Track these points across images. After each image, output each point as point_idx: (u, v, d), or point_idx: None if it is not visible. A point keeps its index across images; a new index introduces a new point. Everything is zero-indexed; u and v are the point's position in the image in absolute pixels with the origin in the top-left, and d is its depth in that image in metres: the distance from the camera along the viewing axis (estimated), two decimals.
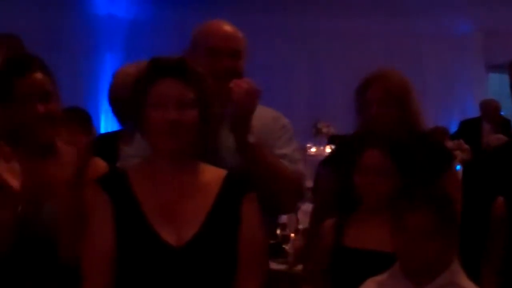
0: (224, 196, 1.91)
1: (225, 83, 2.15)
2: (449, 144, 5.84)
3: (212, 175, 1.95)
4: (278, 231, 3.50)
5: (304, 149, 5.69)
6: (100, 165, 2.14)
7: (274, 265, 3.22)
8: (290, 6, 6.44)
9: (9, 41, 3.67)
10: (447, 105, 8.19)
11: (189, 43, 2.46)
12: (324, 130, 6.17)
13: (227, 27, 2.38)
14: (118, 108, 2.87)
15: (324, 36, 6.87)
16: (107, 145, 2.72)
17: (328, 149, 5.67)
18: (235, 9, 5.37)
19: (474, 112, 7.51)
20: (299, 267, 3.21)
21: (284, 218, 3.56)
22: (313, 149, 6.03)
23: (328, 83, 6.90)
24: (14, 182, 2.02)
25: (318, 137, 6.23)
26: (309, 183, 2.96)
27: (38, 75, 2.19)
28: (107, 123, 6.38)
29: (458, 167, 4.86)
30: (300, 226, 3.44)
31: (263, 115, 2.33)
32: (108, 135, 3.10)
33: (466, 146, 6.26)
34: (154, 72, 1.93)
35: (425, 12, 6.62)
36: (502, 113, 7.25)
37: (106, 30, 6.68)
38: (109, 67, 6.37)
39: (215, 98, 1.94)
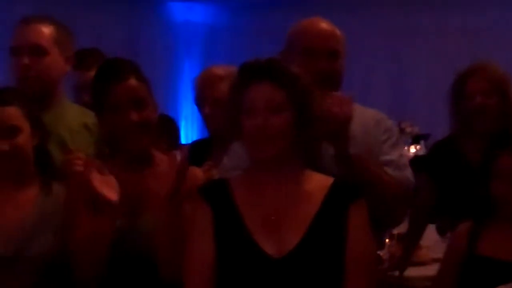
0: (329, 203, 1.82)
1: (322, 86, 1.99)
2: None
3: (318, 182, 1.86)
4: None
5: None
6: (197, 174, 2.07)
7: None
8: (369, 5, 6.35)
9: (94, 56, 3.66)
10: None
11: (283, 43, 2.37)
12: (408, 130, 6.02)
13: (324, 25, 2.27)
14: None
15: (408, 33, 6.73)
16: (201, 152, 2.66)
17: (412, 149, 5.53)
18: (315, 11, 5.29)
19: None
20: (395, 273, 3.10)
21: None
22: None
23: (411, 81, 6.74)
24: (112, 195, 1.99)
25: (402, 137, 6.08)
26: None
27: (132, 82, 2.15)
28: (187, 130, 6.38)
29: None
30: (395, 231, 3.31)
31: (365, 119, 2.22)
32: (201, 142, 3.04)
33: None
34: (244, 76, 1.86)
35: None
36: None
37: (184, 37, 6.70)
38: (187, 74, 6.38)
39: (313, 100, 1.84)
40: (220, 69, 2.89)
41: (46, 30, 2.55)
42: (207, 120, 2.86)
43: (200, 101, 2.88)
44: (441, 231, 3.43)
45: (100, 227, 1.99)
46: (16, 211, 2.22)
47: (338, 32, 2.28)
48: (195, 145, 3.00)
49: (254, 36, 6.31)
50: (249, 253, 1.79)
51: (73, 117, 2.63)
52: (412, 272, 3.11)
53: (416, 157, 4.90)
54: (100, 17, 5.92)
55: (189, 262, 1.85)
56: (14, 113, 2.21)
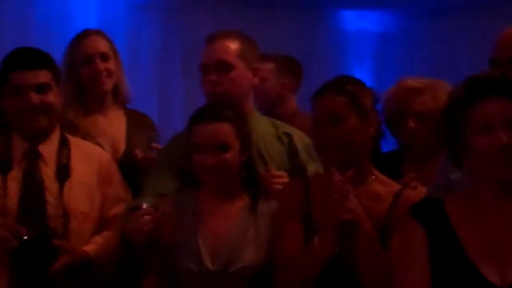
0: None
1: None
2: None
3: None
4: None
5: None
6: (412, 196, 2.06)
7: None
8: None
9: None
10: None
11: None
12: None
13: None
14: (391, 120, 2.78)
15: None
16: (389, 165, 2.59)
17: None
18: (493, 17, 5.07)
19: None
20: None
21: None
22: None
23: None
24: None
25: None
26: None
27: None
28: None
29: None
30: None
31: None
32: (389, 154, 2.95)
33: None
34: (473, 91, 1.78)
35: None
36: None
37: (355, 45, 6.64)
38: None
39: None
40: (416, 82, 2.86)
41: (231, 45, 2.63)
42: (406, 134, 2.81)
43: (398, 115, 2.83)
44: None
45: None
46: (223, 225, 2.30)
47: None
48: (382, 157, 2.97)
49: (427, 44, 6.14)
50: (470, 280, 1.72)
51: (265, 129, 2.68)
52: None
53: None
54: (274, 26, 5.99)
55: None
56: (226, 130, 2.30)
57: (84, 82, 3.12)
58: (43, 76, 2.59)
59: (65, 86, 2.89)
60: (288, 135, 2.70)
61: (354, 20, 6.60)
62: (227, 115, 2.35)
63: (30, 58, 2.61)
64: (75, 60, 3.10)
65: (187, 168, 2.49)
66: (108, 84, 3.13)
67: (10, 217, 2.53)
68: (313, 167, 2.66)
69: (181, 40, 5.73)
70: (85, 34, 3.18)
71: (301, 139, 2.73)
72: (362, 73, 6.42)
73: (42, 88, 2.58)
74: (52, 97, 2.61)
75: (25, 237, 2.47)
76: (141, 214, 2.32)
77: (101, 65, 3.08)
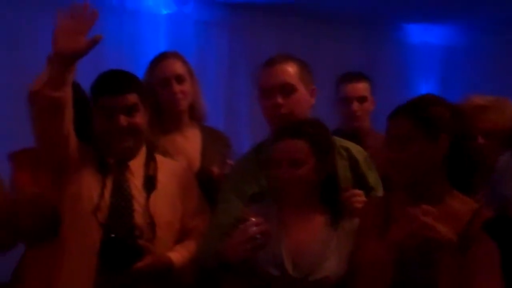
0: None
1: None
2: None
3: None
4: None
5: None
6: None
7: None
8: None
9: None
10: None
11: None
12: None
13: None
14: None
15: None
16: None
17: None
18: None
19: None
20: None
21: None
22: None
23: None
24: None
25: None
26: None
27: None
28: None
29: None
30: None
31: None
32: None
33: None
34: None
35: None
36: None
37: (420, 59, 6.61)
38: None
39: None
40: (482, 100, 2.88)
41: (291, 68, 2.72)
42: (475, 150, 2.83)
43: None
44: None
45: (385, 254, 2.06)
46: (306, 235, 2.39)
47: None
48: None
49: (493, 58, 6.08)
50: None
51: None
52: None
53: None
54: (340, 40, 6.03)
55: None
56: (301, 147, 2.38)
57: (161, 103, 3.24)
58: (131, 99, 2.72)
59: None
60: (346, 149, 2.76)
61: (419, 34, 6.58)
62: (304, 132, 2.44)
63: (118, 82, 2.75)
64: (153, 82, 3.22)
65: (261, 187, 2.59)
66: (183, 105, 3.25)
67: (102, 215, 2.64)
68: (373, 177, 2.73)
69: (247, 57, 5.82)
70: (163, 56, 3.31)
71: (359, 151, 2.80)
72: (427, 87, 6.39)
73: (129, 110, 2.71)
74: (139, 118, 2.74)
75: (113, 235, 2.59)
76: (250, 225, 2.37)
77: (177, 87, 3.20)
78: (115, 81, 2.77)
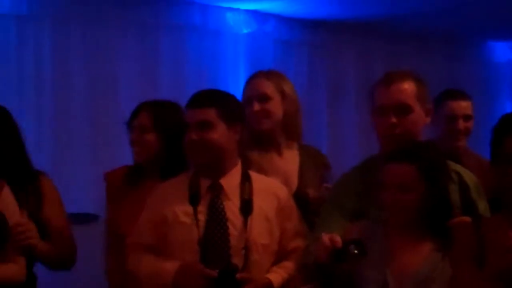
0: None
1: None
2: None
3: None
4: None
5: None
6: None
7: None
8: None
9: None
10: None
11: None
12: None
13: None
14: None
15: None
16: None
17: None
18: None
19: None
20: None
21: None
22: None
23: None
24: None
25: None
26: None
27: None
28: None
29: None
30: None
31: None
32: None
33: None
34: None
35: None
36: None
37: (505, 76, 6.46)
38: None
39: None
40: None
41: (408, 87, 2.65)
42: None
43: None
44: None
45: None
46: (413, 260, 2.39)
47: None
48: None
49: None
50: None
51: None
52: None
53: None
54: (422, 59, 5.94)
55: None
56: (412, 173, 2.36)
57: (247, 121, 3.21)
58: (206, 114, 2.70)
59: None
60: (457, 173, 2.67)
61: (504, 51, 6.44)
62: (417, 157, 2.39)
63: (196, 97, 2.75)
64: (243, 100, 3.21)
65: (363, 207, 2.56)
66: (265, 124, 3.18)
67: (198, 241, 2.66)
68: (482, 205, 2.62)
69: (327, 76, 5.80)
70: (254, 76, 3.28)
71: (470, 177, 2.69)
72: None
73: (203, 125, 2.69)
74: (214, 134, 2.71)
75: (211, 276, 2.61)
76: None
77: (257, 106, 3.16)
78: (194, 96, 2.78)
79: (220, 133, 2.71)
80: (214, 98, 2.77)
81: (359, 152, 5.73)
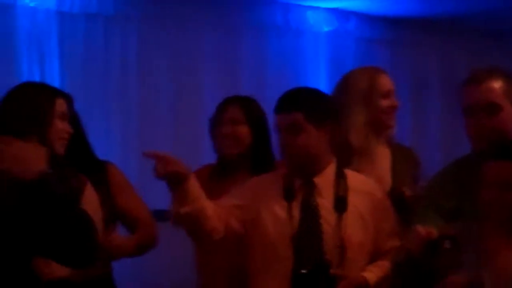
0: None
1: None
2: None
3: None
4: None
5: None
6: None
7: None
8: None
9: None
10: None
11: None
12: None
13: None
14: None
15: None
16: None
17: None
18: None
19: None
20: None
21: None
22: None
23: None
24: None
25: None
26: None
27: None
28: None
29: None
30: None
31: None
32: None
33: None
34: None
35: None
36: None
37: None
38: None
39: None
40: None
41: (496, 85, 2.60)
42: None
43: None
44: None
45: None
46: (509, 261, 2.34)
47: None
48: None
49: None
50: None
51: None
52: None
53: None
54: (505, 56, 5.82)
55: None
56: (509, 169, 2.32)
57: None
58: (294, 119, 2.70)
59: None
60: None
61: None
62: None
63: (284, 101, 2.75)
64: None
65: (459, 206, 2.54)
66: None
67: (291, 239, 2.66)
68: None
69: (409, 74, 5.74)
70: (377, 70, 3.23)
71: None
72: None
73: (293, 130, 2.70)
74: (303, 138, 2.68)
75: (303, 271, 2.62)
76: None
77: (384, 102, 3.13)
78: (281, 100, 2.78)
79: (309, 136, 2.70)
80: (301, 100, 2.75)
81: (443, 151, 5.65)
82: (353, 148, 3.04)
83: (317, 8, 5.44)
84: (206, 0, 4.97)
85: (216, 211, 2.63)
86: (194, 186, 2.57)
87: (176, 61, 4.89)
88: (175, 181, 2.51)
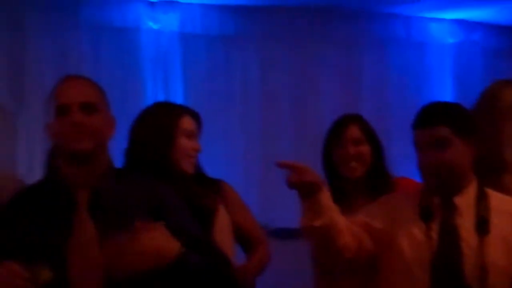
0: None
1: None
2: None
3: None
4: None
5: None
6: None
7: None
8: None
9: None
10: None
11: None
12: None
13: None
14: None
15: None
16: None
17: None
18: None
19: None
20: None
21: None
22: None
23: None
24: None
25: None
26: None
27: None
28: None
29: None
30: None
31: None
32: None
33: None
34: None
35: None
36: None
37: None
38: None
39: None
40: None
41: None
42: None
43: None
44: None
45: None
46: None
47: None
48: None
49: None
50: None
51: None
52: None
53: None
54: None
55: None
56: None
57: None
58: (440, 133, 2.54)
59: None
60: None
61: None
62: None
63: (427, 115, 2.60)
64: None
65: None
66: None
67: (425, 267, 2.54)
68: None
69: None
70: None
71: None
72: None
73: (438, 145, 2.56)
74: (450, 153, 2.49)
75: None
76: None
77: None
78: (422, 114, 2.63)
79: (457, 152, 2.55)
80: (446, 113, 2.60)
81: None
82: (508, 164, 2.88)
83: (441, 19, 5.32)
84: (325, 16, 4.95)
85: (349, 227, 2.50)
86: (327, 197, 2.48)
87: (296, 79, 4.90)
88: (308, 191, 2.44)
